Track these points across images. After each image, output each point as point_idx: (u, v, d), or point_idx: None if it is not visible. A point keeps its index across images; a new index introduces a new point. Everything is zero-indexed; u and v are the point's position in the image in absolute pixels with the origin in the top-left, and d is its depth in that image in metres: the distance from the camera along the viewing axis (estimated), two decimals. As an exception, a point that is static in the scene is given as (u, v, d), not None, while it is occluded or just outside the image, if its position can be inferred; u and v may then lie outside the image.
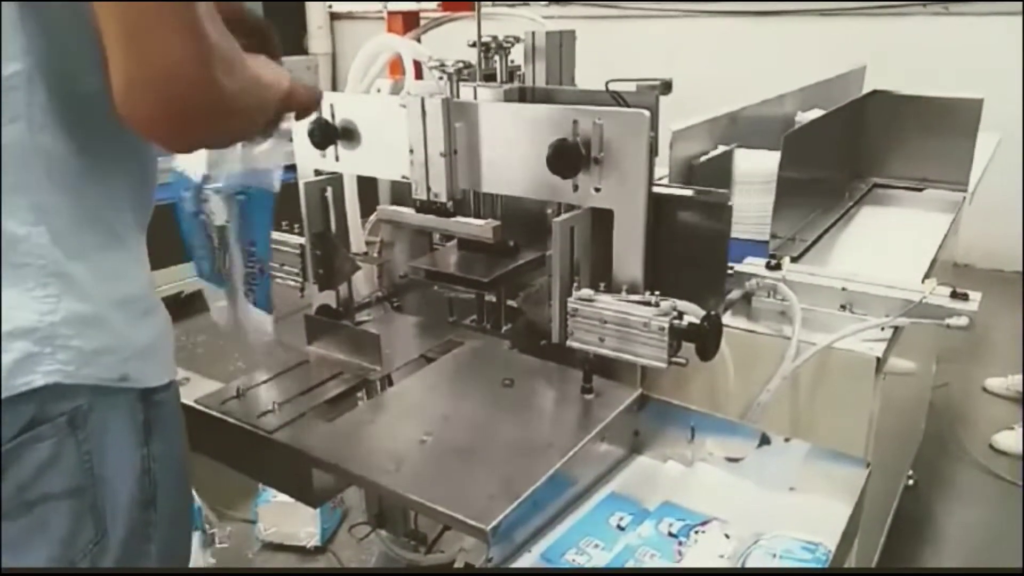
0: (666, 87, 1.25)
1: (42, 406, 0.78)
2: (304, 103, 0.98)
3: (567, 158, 1.18)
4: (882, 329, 1.36)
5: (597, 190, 1.19)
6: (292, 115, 0.99)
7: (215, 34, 0.73)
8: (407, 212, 1.42)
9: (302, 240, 1.47)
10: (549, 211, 1.48)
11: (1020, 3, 4.17)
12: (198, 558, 2.10)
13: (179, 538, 0.98)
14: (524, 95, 1.43)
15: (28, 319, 0.77)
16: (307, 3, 6.86)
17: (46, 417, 0.78)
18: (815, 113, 2.02)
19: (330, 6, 6.85)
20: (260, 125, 0.91)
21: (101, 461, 0.83)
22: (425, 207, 1.35)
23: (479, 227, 1.35)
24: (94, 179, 0.83)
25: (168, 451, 0.91)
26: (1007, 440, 2.93)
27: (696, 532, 1.04)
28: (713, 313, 1.14)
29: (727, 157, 1.78)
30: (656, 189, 1.21)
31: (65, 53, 0.78)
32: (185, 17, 0.69)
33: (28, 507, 0.79)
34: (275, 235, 1.51)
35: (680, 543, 1.02)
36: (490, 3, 1.49)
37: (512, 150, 1.26)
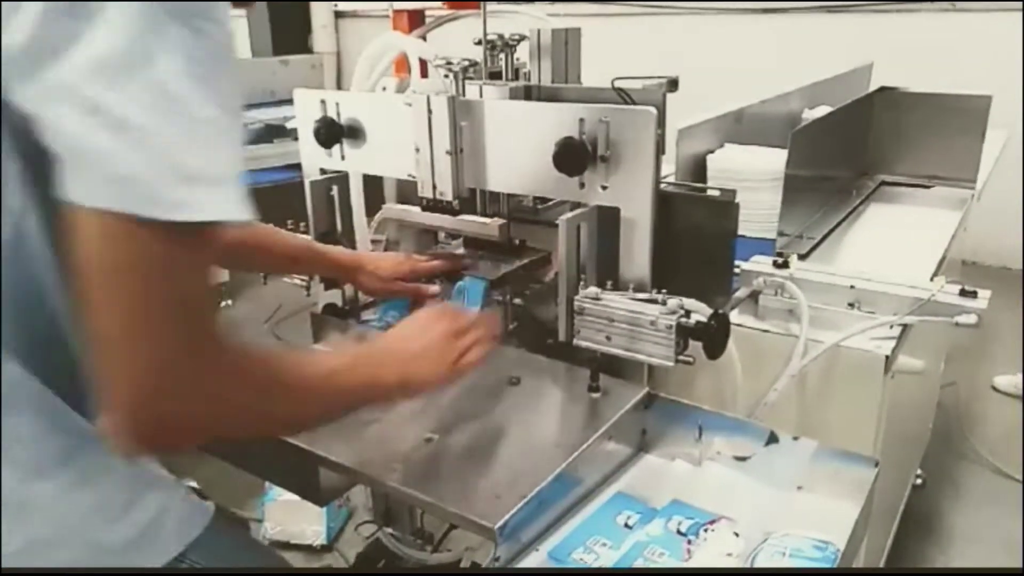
0: (673, 85, 1.24)
1: None
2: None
3: (573, 156, 1.17)
4: (891, 327, 1.35)
5: (604, 188, 1.19)
6: None
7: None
8: (413, 210, 1.42)
9: (308, 239, 1.47)
10: (540, 207, 1.48)
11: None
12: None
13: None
14: (530, 93, 1.43)
15: None
16: (311, 2, 6.85)
17: None
18: (823, 109, 2.01)
19: (335, 4, 6.85)
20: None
21: None
22: (431, 205, 1.35)
23: (485, 225, 1.35)
24: (53, 389, 0.76)
25: (214, 549, 0.86)
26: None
27: (705, 530, 1.03)
28: (720, 311, 1.14)
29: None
30: (663, 187, 1.20)
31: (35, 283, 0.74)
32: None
33: None
34: (281, 234, 1.51)
35: (689, 541, 1.02)
36: (496, 0, 1.48)
37: (518, 148, 1.26)
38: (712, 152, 1.90)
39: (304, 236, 1.46)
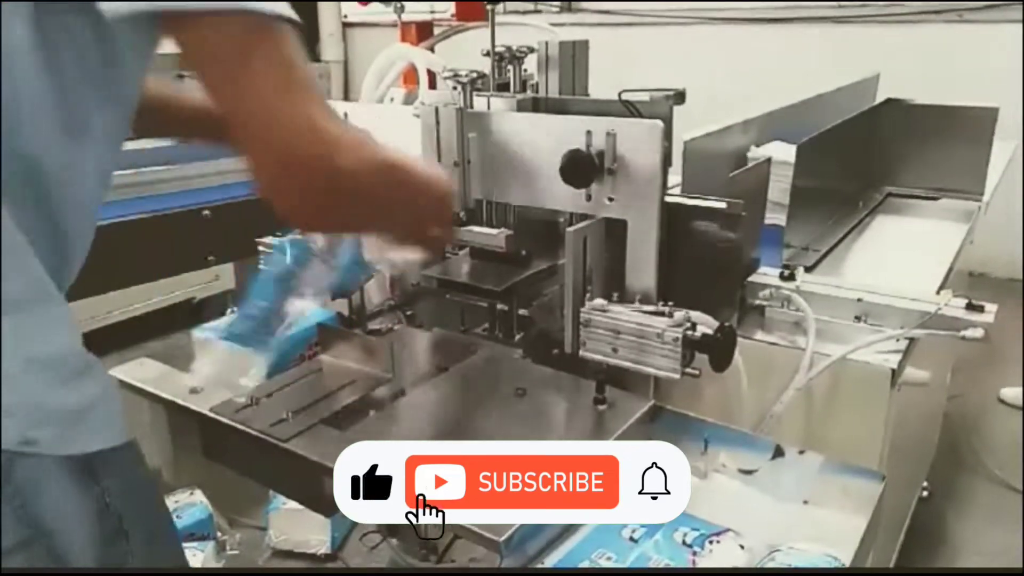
0: (680, 97, 1.24)
1: None
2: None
3: (581, 168, 1.18)
4: (897, 340, 1.35)
5: (611, 200, 1.19)
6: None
7: (326, 120, 0.81)
8: (420, 221, 1.42)
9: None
10: (561, 220, 1.48)
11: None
12: (210, 564, 2.10)
13: (163, 557, 0.93)
14: (538, 105, 1.44)
15: None
16: (319, 8, 6.87)
17: None
18: (775, 146, 1.91)
19: (345, 16, 6.86)
20: (403, 214, 1.00)
21: (42, 511, 0.77)
22: (438, 216, 1.35)
23: (492, 236, 1.35)
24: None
25: (127, 481, 0.85)
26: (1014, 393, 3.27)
27: (711, 542, 1.03)
28: (727, 324, 1.14)
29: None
30: (669, 199, 1.21)
31: None
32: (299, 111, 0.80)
33: None
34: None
35: (695, 553, 1.01)
36: (501, 10, 1.49)
37: (525, 160, 1.27)
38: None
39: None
